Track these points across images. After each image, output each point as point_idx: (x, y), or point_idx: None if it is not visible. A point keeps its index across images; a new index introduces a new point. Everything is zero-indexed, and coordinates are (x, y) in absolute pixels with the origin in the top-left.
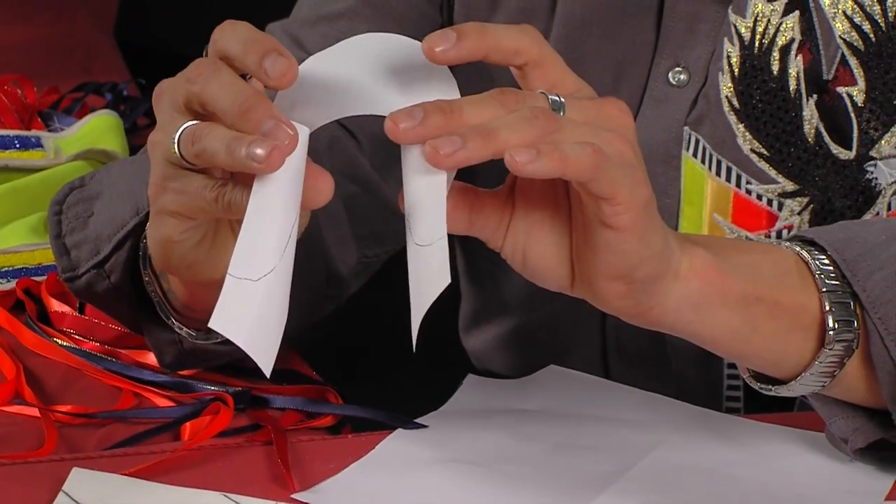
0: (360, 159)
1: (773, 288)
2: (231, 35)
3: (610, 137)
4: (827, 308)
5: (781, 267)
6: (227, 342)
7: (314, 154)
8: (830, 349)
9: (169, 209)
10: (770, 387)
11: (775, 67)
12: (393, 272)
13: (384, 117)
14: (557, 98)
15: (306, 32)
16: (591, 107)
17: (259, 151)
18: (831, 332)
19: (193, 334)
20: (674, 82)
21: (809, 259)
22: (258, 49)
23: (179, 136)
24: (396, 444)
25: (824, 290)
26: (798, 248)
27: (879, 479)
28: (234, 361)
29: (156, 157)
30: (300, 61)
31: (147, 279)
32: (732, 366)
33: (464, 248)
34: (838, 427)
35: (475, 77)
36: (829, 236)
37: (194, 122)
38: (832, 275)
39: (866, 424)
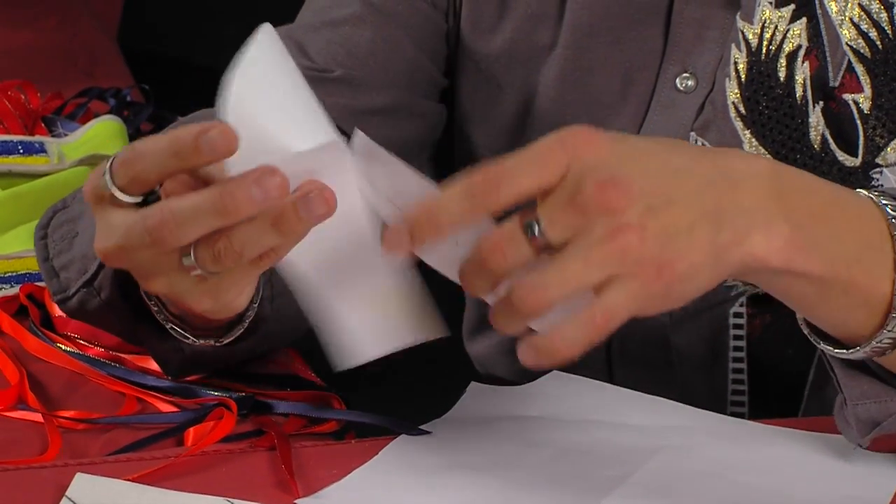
0: None
1: (851, 266)
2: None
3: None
4: None
5: (865, 239)
6: (229, 343)
7: None
8: (889, 330)
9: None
10: (820, 341)
11: (782, 74)
12: None
13: (385, 125)
14: (530, 220)
15: (311, 38)
16: (568, 217)
17: (313, 207)
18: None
19: (194, 340)
20: (681, 88)
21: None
22: (183, 144)
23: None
24: (400, 450)
25: None
26: (888, 206)
27: (884, 482)
28: (237, 366)
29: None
30: (303, 68)
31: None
32: (737, 371)
33: None
34: (867, 410)
35: (483, 85)
36: None
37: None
38: None
39: None
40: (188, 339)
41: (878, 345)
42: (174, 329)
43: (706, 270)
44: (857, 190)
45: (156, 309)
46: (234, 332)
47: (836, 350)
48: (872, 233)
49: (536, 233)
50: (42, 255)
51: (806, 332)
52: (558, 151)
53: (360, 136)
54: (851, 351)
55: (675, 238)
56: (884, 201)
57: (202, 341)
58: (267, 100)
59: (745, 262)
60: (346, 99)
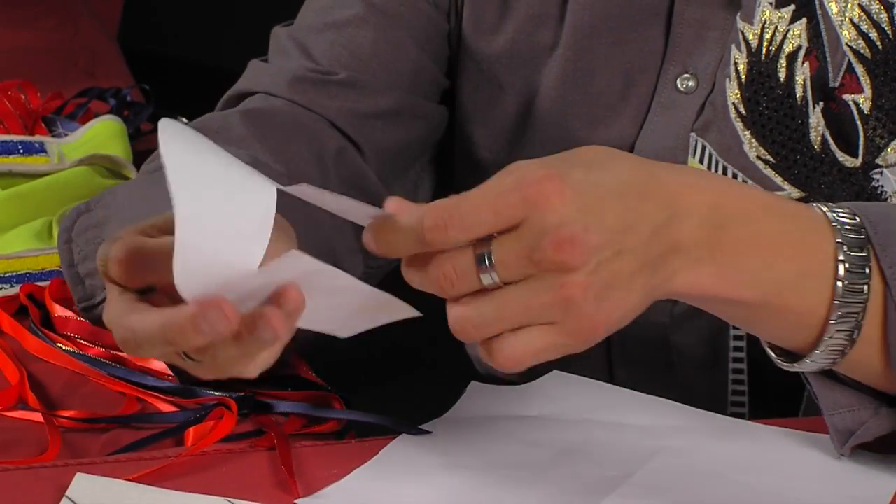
0: (366, 170)
1: (784, 293)
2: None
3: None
4: (838, 300)
5: (803, 265)
6: None
7: (322, 166)
8: (821, 351)
9: None
10: (780, 359)
11: (782, 74)
12: (396, 281)
13: (389, 128)
14: (484, 251)
15: (314, 40)
16: (522, 265)
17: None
18: (832, 322)
19: None
20: (682, 89)
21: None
22: (181, 329)
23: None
24: (400, 450)
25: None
26: (842, 228)
27: (884, 483)
28: None
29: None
30: (308, 70)
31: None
32: (737, 371)
33: None
34: (843, 420)
35: (484, 86)
36: (867, 209)
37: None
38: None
39: (873, 419)
40: None
41: (817, 362)
42: None
43: (635, 311)
44: (817, 206)
45: None
46: None
47: (792, 364)
48: (814, 258)
49: (486, 266)
50: (67, 260)
51: (763, 344)
52: (517, 201)
53: (301, 188)
54: (796, 364)
55: (616, 290)
56: (839, 217)
57: None
58: (212, 206)
59: (671, 294)
60: (350, 102)
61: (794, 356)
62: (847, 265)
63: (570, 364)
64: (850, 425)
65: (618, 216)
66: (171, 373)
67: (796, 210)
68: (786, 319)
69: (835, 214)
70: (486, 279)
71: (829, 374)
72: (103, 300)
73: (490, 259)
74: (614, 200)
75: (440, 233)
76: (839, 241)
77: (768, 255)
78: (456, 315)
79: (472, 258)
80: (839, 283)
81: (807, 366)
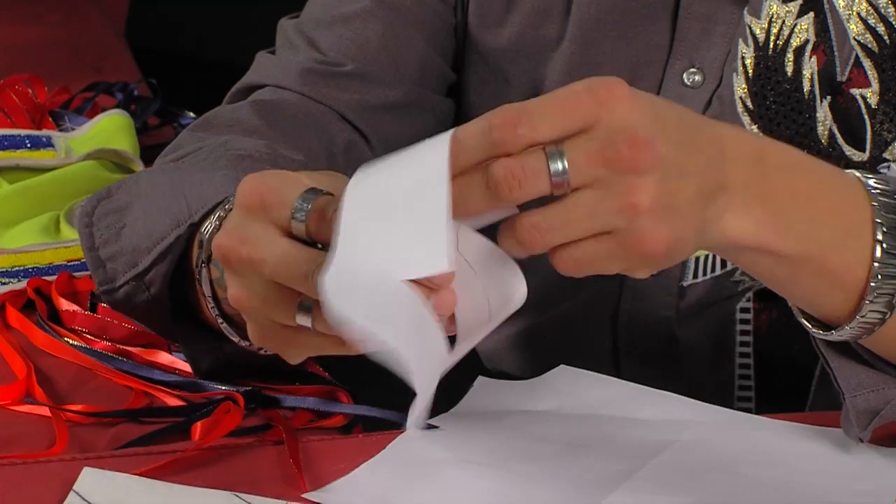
0: None
1: (826, 250)
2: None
3: (620, 206)
4: (878, 262)
5: (844, 224)
6: None
7: (332, 160)
8: (863, 316)
9: None
10: (810, 325)
11: (789, 69)
12: None
13: (398, 121)
14: (556, 150)
15: (321, 33)
16: (594, 167)
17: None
18: (873, 284)
19: (248, 343)
20: (688, 83)
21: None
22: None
23: None
24: (408, 445)
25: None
26: (875, 191)
27: (891, 477)
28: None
29: None
30: (315, 62)
31: (201, 289)
32: (744, 366)
33: None
34: (866, 400)
35: (490, 79)
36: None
37: None
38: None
39: None
40: (239, 341)
41: (854, 329)
42: (226, 328)
43: (686, 245)
44: (850, 171)
45: (212, 305)
46: None
47: (824, 333)
48: (853, 218)
49: (559, 172)
50: (87, 244)
51: (795, 313)
52: (589, 102)
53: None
54: (832, 332)
55: (675, 211)
56: (872, 183)
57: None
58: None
59: (718, 240)
60: (359, 94)
61: (826, 326)
62: (885, 228)
63: (577, 358)
64: (874, 405)
65: (681, 135)
66: (178, 367)
67: (833, 170)
68: (825, 279)
69: (868, 180)
70: (557, 178)
71: (850, 356)
72: (124, 284)
73: (562, 158)
74: (677, 121)
75: (509, 130)
76: (875, 204)
77: (811, 209)
78: (523, 221)
79: (544, 157)
80: (878, 246)
81: (844, 332)
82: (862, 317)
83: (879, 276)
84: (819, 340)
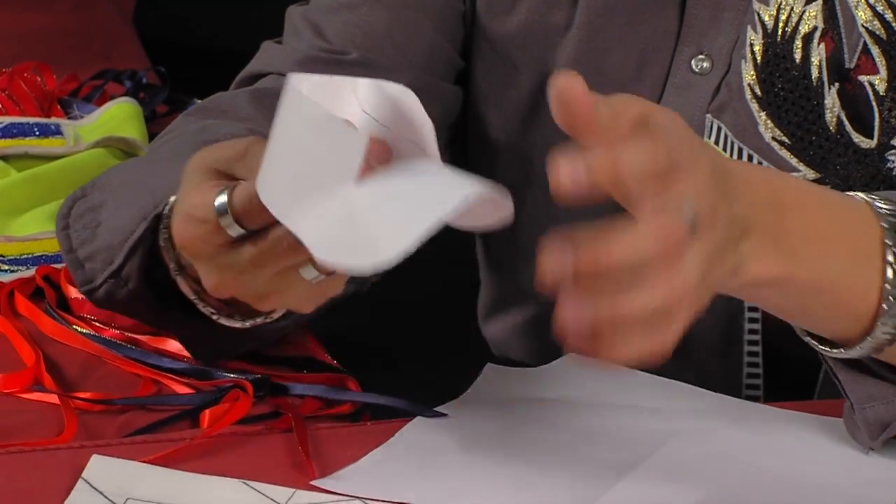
0: None
1: (838, 278)
2: None
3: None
4: (889, 283)
5: (854, 253)
6: (267, 321)
7: None
8: (872, 337)
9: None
10: (816, 343)
11: (798, 55)
12: (413, 260)
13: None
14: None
15: (328, 19)
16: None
17: None
18: (885, 306)
19: (243, 322)
20: (696, 70)
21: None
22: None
23: None
24: (416, 432)
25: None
26: (884, 211)
27: None
28: (256, 349)
29: None
30: (320, 50)
31: (176, 275)
32: (752, 353)
33: (483, 236)
34: (876, 413)
35: (498, 66)
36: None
37: None
38: None
39: None
40: (233, 322)
41: (864, 349)
42: (214, 314)
43: (708, 298)
44: (858, 195)
45: (195, 298)
46: (277, 312)
47: (832, 350)
48: (864, 244)
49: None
50: (66, 246)
51: (798, 332)
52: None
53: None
54: (844, 351)
55: (715, 258)
56: (880, 205)
57: (242, 323)
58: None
59: (735, 285)
60: None
61: (837, 344)
62: (895, 250)
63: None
64: (884, 417)
65: (718, 224)
66: (187, 354)
67: (843, 199)
68: (837, 308)
69: (875, 202)
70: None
71: (859, 368)
72: (104, 282)
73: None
74: (716, 183)
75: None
76: (884, 225)
77: (823, 244)
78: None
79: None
80: (889, 268)
81: (854, 352)
82: (873, 338)
83: (891, 298)
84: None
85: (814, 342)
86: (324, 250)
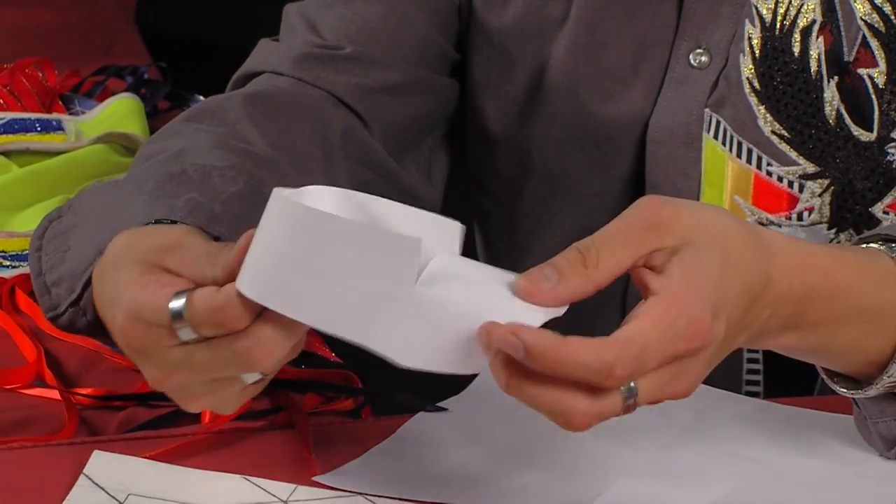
0: (374, 145)
1: (852, 347)
2: None
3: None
4: None
5: (875, 322)
6: None
7: (327, 146)
8: (877, 386)
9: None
10: (842, 387)
11: (796, 49)
12: None
13: (397, 102)
14: (632, 386)
15: (322, 14)
16: (665, 382)
17: None
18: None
19: None
20: (695, 64)
21: None
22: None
23: None
24: (418, 428)
25: None
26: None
27: None
28: None
29: None
30: (314, 46)
31: None
32: (752, 349)
33: (482, 228)
34: (888, 427)
35: (495, 59)
36: None
37: None
38: None
39: None
40: None
41: (880, 388)
42: None
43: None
44: (884, 252)
45: None
46: None
47: (849, 392)
48: (885, 317)
49: (630, 405)
50: (35, 270)
51: (832, 384)
52: (684, 350)
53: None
54: (856, 392)
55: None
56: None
57: None
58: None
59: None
60: (357, 77)
61: (855, 381)
62: None
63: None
64: None
65: (729, 339)
66: None
67: (870, 272)
68: (851, 363)
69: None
70: (629, 404)
71: None
72: (65, 310)
73: (635, 393)
74: (731, 335)
75: (623, 381)
76: None
77: (836, 325)
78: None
79: (621, 404)
80: None
81: (871, 391)
82: (889, 376)
83: None
84: None
85: (830, 381)
86: (411, 358)
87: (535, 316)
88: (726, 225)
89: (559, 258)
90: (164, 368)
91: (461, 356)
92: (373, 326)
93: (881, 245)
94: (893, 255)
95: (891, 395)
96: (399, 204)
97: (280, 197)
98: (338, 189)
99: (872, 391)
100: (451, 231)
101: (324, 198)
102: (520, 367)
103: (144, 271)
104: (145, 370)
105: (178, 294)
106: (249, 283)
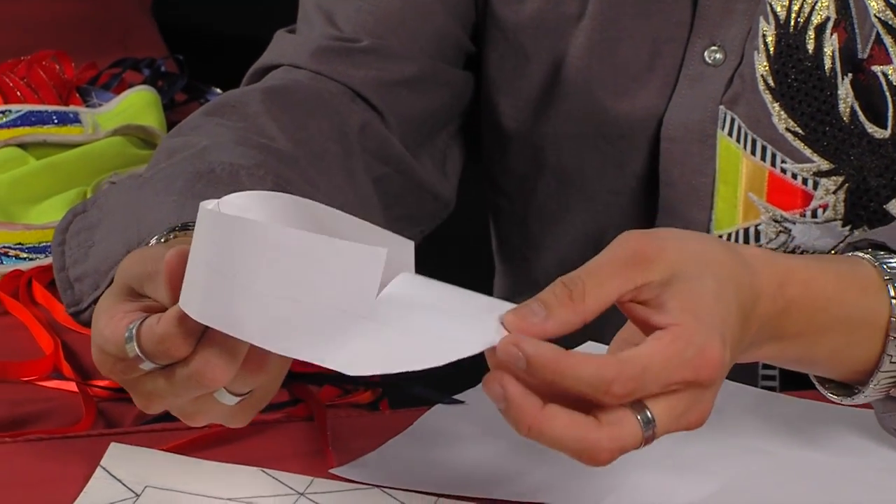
0: (391, 139)
1: (835, 356)
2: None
3: None
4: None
5: (856, 336)
6: None
7: (345, 142)
8: (865, 394)
9: None
10: (832, 394)
11: (811, 46)
12: (426, 252)
13: (414, 96)
14: (649, 416)
15: (340, 6)
16: (680, 414)
17: None
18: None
19: None
20: (709, 61)
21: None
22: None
23: None
24: (435, 420)
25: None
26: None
27: None
28: None
29: None
30: (330, 38)
31: None
32: None
33: (496, 225)
34: (893, 420)
35: (510, 54)
36: None
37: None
38: None
39: None
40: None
41: (870, 395)
42: None
43: None
44: (867, 262)
45: None
46: None
47: (840, 398)
48: (868, 326)
49: (650, 436)
50: (58, 264)
51: (824, 391)
52: (690, 376)
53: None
54: (846, 398)
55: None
56: (888, 268)
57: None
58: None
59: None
60: (375, 70)
61: (848, 388)
62: None
63: (601, 334)
64: None
65: (737, 347)
66: None
67: (852, 282)
68: (836, 370)
69: (886, 266)
70: (647, 435)
71: None
72: (88, 307)
73: (652, 423)
74: (739, 340)
75: (620, 399)
76: (892, 294)
77: (825, 336)
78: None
79: (640, 435)
80: (891, 336)
81: (859, 398)
82: (875, 384)
83: (888, 361)
84: None
85: (822, 389)
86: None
87: (496, 339)
88: (712, 249)
89: (546, 293)
90: (143, 395)
91: (420, 354)
92: (324, 342)
93: (866, 253)
94: (877, 263)
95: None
96: (346, 215)
97: (208, 210)
98: (277, 194)
99: (861, 398)
100: (404, 249)
101: (257, 203)
102: (534, 408)
103: (119, 300)
104: (133, 397)
105: (130, 326)
106: (188, 302)
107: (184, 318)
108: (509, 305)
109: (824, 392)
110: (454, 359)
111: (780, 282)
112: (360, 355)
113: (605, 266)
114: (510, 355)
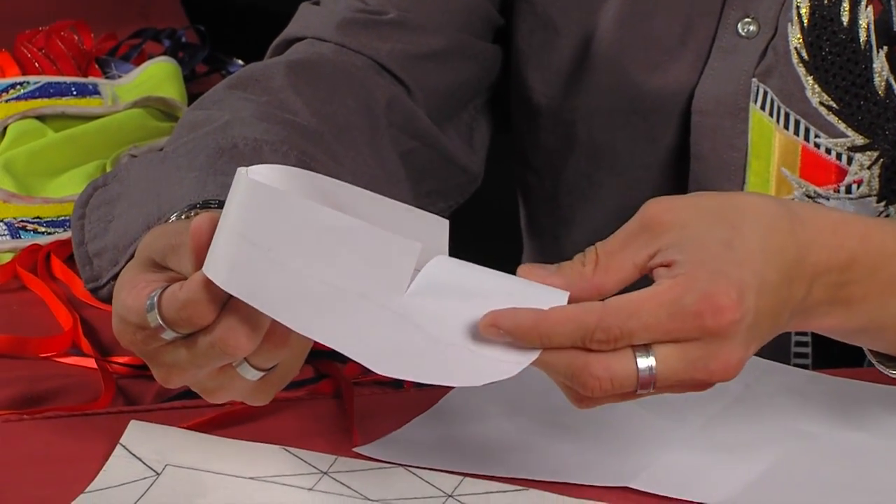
0: (418, 113)
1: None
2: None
3: None
4: None
5: None
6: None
7: (371, 116)
8: None
9: None
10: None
11: (845, 18)
12: (454, 229)
13: (441, 69)
14: (649, 358)
15: None
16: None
17: None
18: None
19: None
20: (743, 33)
21: None
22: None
23: None
24: (460, 398)
25: None
26: None
27: None
28: None
29: None
30: (357, 11)
31: None
32: None
33: (525, 201)
34: None
35: (539, 27)
36: None
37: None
38: None
39: None
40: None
41: None
42: None
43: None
44: None
45: None
46: None
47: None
48: None
49: (647, 380)
50: (78, 238)
51: (879, 366)
52: (694, 328)
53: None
54: None
55: (758, 341)
56: None
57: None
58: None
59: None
60: (402, 44)
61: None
62: None
63: None
64: None
65: (770, 315)
66: None
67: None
68: (890, 341)
69: None
70: (644, 378)
71: None
72: (107, 282)
73: (652, 369)
74: (770, 309)
75: (607, 343)
76: None
77: (882, 298)
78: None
79: (634, 372)
80: None
81: None
82: None
83: None
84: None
85: (875, 361)
86: (375, 361)
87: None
88: (735, 199)
89: (563, 266)
90: (163, 367)
91: (450, 367)
92: (346, 329)
93: None
94: None
95: None
96: (372, 194)
97: (248, 179)
98: (302, 171)
99: None
100: (439, 228)
101: (283, 178)
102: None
103: (142, 270)
104: (153, 371)
105: (152, 294)
106: (214, 269)
107: (208, 284)
108: (543, 290)
109: (885, 370)
110: (485, 382)
111: (833, 229)
112: (387, 353)
113: (618, 236)
114: (494, 336)
